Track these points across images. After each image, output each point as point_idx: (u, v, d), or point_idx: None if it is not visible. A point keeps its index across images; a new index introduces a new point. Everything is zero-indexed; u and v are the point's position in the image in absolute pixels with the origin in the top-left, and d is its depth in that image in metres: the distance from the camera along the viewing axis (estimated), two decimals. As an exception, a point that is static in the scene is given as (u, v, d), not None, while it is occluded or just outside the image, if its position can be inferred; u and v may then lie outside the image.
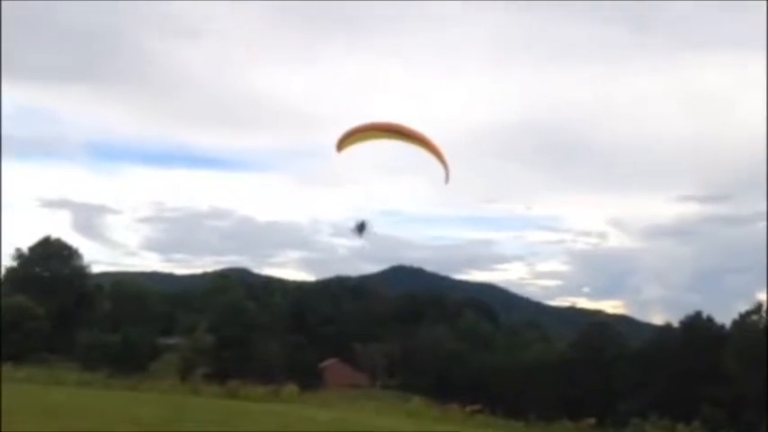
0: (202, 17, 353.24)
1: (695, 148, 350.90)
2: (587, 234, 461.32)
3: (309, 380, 76.43)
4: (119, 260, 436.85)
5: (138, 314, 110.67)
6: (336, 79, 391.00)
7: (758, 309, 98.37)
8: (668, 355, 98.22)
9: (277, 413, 23.90)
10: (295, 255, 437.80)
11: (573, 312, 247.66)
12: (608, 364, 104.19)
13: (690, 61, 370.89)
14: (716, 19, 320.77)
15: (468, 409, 28.79)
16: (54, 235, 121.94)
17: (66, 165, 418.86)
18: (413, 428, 23.91)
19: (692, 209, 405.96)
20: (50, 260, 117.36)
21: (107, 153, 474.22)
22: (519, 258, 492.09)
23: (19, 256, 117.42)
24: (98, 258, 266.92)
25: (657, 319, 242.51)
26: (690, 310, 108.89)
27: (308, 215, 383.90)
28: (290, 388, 31.91)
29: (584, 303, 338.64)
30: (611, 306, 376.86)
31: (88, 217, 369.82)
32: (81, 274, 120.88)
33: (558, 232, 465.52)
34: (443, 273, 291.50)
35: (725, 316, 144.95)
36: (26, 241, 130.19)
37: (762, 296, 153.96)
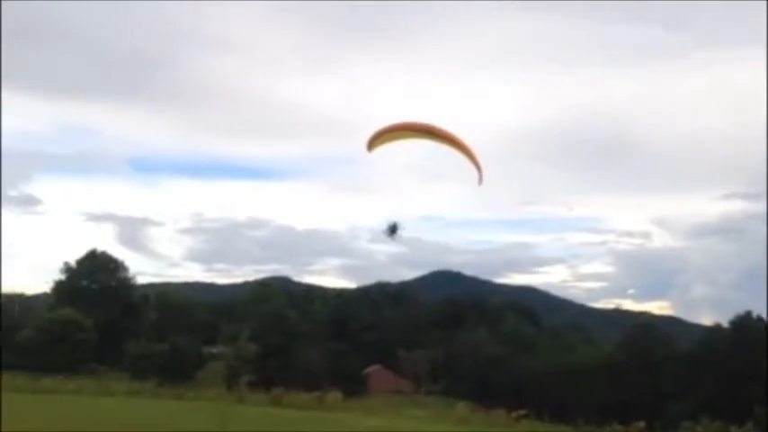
0: (236, 31, 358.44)
1: (738, 144, 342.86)
2: (631, 234, 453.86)
3: (353, 387, 76.62)
4: (162, 271, 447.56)
5: (183, 324, 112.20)
6: (370, 85, 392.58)
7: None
8: (718, 355, 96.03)
9: (323, 421, 23.96)
10: (335, 262, 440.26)
11: (618, 314, 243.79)
12: (656, 366, 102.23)
13: (730, 58, 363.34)
14: (752, 14, 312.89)
15: (515, 414, 28.47)
16: (100, 248, 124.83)
17: (110, 179, 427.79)
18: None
19: (736, 206, 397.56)
20: (97, 273, 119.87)
21: (148, 167, 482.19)
22: (560, 261, 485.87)
23: (67, 269, 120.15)
24: (142, 270, 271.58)
25: (706, 319, 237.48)
26: (738, 309, 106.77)
27: (346, 222, 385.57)
28: (335, 395, 31.99)
29: (629, 305, 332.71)
30: (657, 307, 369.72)
31: (132, 230, 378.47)
32: (127, 285, 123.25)
33: (600, 233, 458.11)
34: (484, 277, 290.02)
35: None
36: (73, 255, 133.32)
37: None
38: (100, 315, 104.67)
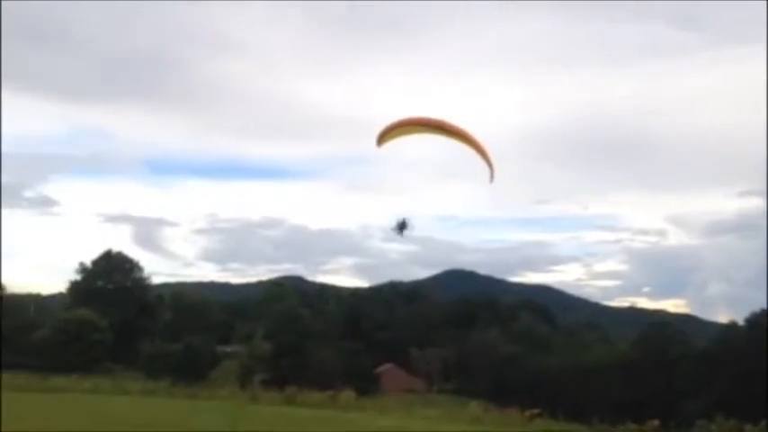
0: (250, 33, 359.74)
1: (753, 141, 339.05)
2: (646, 233, 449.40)
3: (366, 385, 76.61)
4: (177, 271, 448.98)
5: (198, 323, 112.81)
6: (382, 85, 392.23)
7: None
8: (733, 353, 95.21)
9: (336, 420, 23.98)
10: (348, 261, 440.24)
11: (633, 312, 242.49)
12: (671, 365, 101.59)
13: (743, 54, 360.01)
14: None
15: (528, 413, 28.34)
16: (115, 249, 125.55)
17: (125, 180, 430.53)
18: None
19: (752, 203, 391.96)
20: (113, 273, 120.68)
21: (163, 168, 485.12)
22: (575, 259, 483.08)
23: (82, 269, 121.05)
24: (157, 270, 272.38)
25: (722, 317, 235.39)
26: (753, 307, 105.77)
27: (359, 221, 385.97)
28: (347, 394, 31.99)
29: (644, 303, 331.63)
30: (673, 305, 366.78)
31: (147, 230, 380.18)
32: (142, 285, 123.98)
33: (615, 232, 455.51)
34: (498, 276, 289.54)
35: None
36: (89, 255, 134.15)
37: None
38: (115, 315, 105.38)
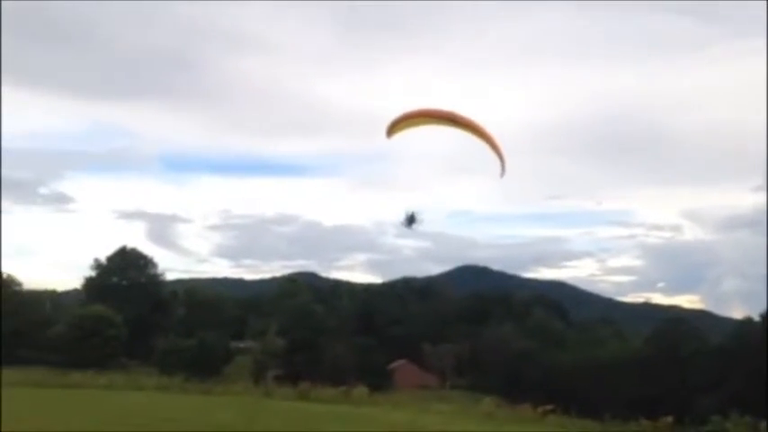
0: (263, 31, 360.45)
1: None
2: (660, 228, 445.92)
3: (379, 381, 76.75)
4: (191, 267, 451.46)
5: (212, 319, 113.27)
6: (395, 81, 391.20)
7: None
8: (748, 349, 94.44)
9: (350, 416, 24.06)
10: (361, 257, 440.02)
11: (648, 308, 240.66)
12: (685, 361, 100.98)
13: (759, 48, 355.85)
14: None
15: (541, 409, 28.31)
16: (130, 245, 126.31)
17: (140, 177, 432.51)
18: (486, 429, 23.74)
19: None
20: (127, 269, 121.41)
21: (178, 164, 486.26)
22: (589, 255, 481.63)
23: (98, 266, 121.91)
24: (171, 266, 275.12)
25: (737, 313, 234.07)
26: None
27: (373, 218, 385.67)
28: (360, 390, 32.13)
29: (659, 299, 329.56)
30: (687, 301, 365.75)
31: (161, 226, 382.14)
32: (156, 281, 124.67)
33: (629, 227, 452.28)
34: (511, 271, 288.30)
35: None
36: (104, 252, 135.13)
37: None
38: (130, 311, 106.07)
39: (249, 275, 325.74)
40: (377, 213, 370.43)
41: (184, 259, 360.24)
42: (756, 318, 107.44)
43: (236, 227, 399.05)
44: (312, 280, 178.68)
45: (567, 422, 27.04)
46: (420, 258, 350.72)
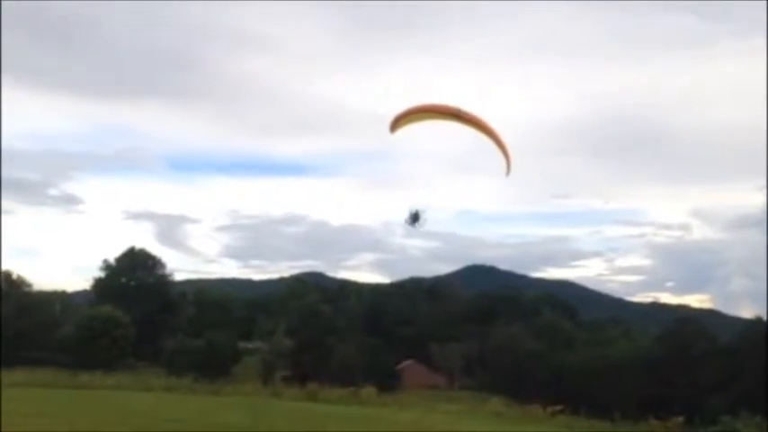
0: (269, 30, 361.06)
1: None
2: (669, 227, 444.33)
3: (387, 381, 76.74)
4: (199, 268, 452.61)
5: (220, 320, 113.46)
6: (402, 80, 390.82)
7: None
8: (758, 349, 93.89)
9: (358, 416, 23.99)
10: (369, 257, 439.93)
11: (656, 308, 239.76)
12: (695, 360, 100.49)
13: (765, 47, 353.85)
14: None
15: (550, 409, 28.16)
16: (138, 245, 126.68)
17: (148, 178, 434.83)
18: (495, 429, 23.64)
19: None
20: (136, 270, 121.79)
21: (185, 165, 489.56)
22: (597, 254, 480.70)
23: (106, 267, 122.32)
24: (180, 267, 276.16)
25: (746, 312, 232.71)
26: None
27: (380, 217, 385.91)
28: (369, 390, 32.06)
29: (668, 299, 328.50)
30: (697, 300, 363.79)
31: (170, 227, 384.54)
32: (164, 282, 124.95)
33: (637, 226, 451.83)
34: (519, 271, 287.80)
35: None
36: (113, 253, 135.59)
37: None
38: (138, 312, 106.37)
39: (257, 276, 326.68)
40: (384, 213, 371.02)
41: (192, 260, 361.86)
42: (766, 317, 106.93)
43: (243, 227, 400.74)
44: (320, 280, 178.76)
45: (576, 422, 26.90)
46: (428, 258, 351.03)
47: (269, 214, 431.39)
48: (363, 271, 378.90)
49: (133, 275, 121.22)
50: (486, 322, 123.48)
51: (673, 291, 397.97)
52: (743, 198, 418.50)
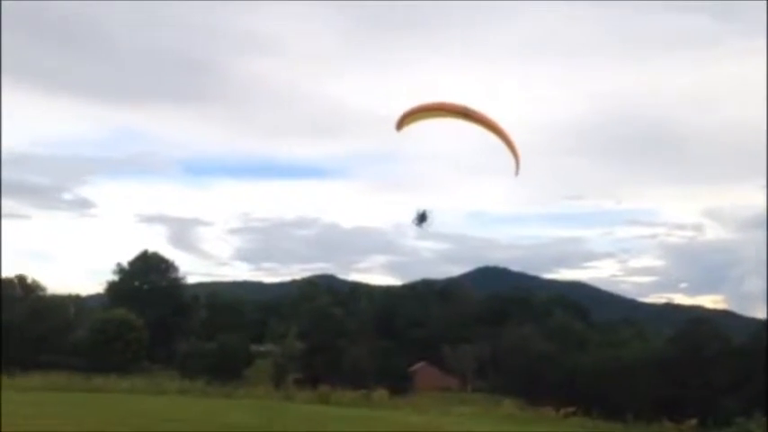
0: (280, 33, 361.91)
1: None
2: (682, 227, 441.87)
3: (399, 384, 76.68)
4: (212, 270, 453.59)
5: (232, 322, 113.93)
6: (413, 82, 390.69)
7: None
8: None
9: (370, 419, 24.03)
10: (380, 259, 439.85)
11: (670, 309, 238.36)
12: (709, 361, 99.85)
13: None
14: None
15: (563, 411, 28.08)
16: (151, 249, 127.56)
17: (161, 181, 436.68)
18: (507, 431, 23.62)
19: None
20: (149, 273, 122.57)
21: (198, 168, 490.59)
22: (610, 255, 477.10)
23: (120, 270, 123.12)
24: (192, 270, 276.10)
25: (761, 313, 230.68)
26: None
27: (392, 220, 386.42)
28: (381, 393, 32.01)
29: (681, 299, 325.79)
30: (711, 301, 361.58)
31: (182, 230, 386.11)
32: (177, 285, 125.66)
33: (650, 227, 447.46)
34: (531, 272, 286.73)
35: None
36: (126, 256, 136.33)
37: None
38: (151, 315, 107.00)
39: (269, 278, 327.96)
40: (395, 215, 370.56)
41: (205, 263, 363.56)
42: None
43: (255, 230, 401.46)
44: (331, 282, 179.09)
45: (589, 424, 26.80)
46: (439, 260, 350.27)
47: (280, 217, 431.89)
48: (375, 273, 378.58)
49: (146, 279, 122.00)
50: (498, 324, 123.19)
51: (686, 291, 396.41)
52: (756, 198, 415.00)
